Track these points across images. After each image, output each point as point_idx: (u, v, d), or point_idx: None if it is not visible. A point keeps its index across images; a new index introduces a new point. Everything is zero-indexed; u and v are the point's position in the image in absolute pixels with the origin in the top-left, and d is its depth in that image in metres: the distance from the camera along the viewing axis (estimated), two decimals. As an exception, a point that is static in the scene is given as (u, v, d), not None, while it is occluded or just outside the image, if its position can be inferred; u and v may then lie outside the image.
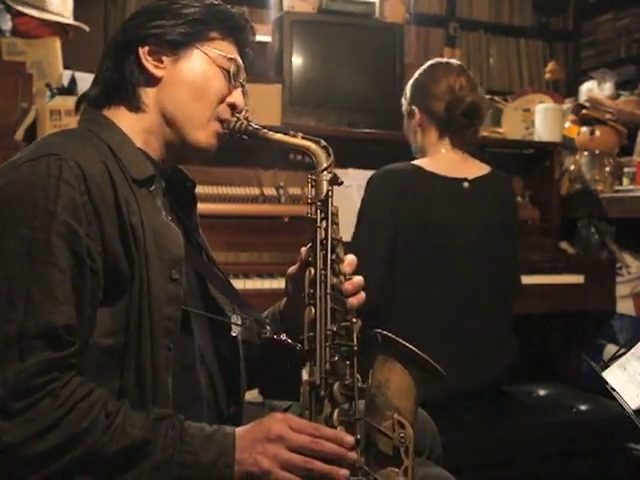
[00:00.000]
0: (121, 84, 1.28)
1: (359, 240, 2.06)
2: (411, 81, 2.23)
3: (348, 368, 1.19)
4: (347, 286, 1.25)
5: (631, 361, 1.52)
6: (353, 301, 1.27)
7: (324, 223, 1.24)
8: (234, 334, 1.35)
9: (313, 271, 1.22)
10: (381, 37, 3.14)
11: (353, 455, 1.13)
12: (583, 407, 2.22)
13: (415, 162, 2.15)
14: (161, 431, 1.09)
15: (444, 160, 2.14)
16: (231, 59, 1.32)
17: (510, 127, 3.32)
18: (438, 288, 2.07)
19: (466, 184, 2.12)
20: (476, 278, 2.09)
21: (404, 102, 2.25)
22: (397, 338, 1.16)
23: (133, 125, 1.28)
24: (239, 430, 1.13)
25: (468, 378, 2.00)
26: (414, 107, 2.18)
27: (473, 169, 2.17)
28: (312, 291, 1.21)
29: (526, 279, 2.33)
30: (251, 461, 1.10)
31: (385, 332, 1.18)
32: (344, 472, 1.11)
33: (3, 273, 1.07)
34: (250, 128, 1.32)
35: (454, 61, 2.22)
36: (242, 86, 1.34)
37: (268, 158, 2.73)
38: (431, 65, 2.20)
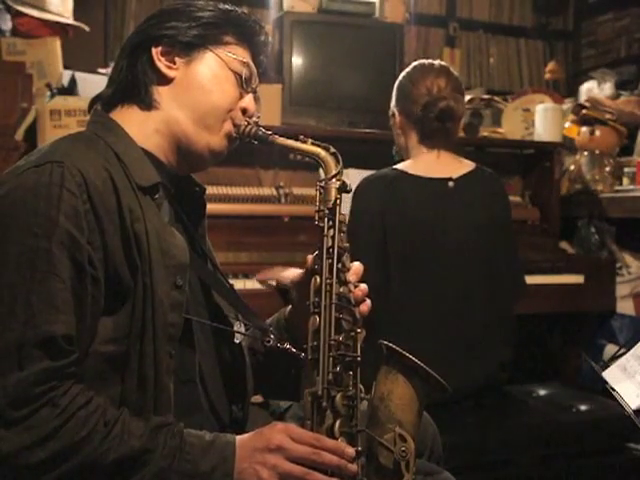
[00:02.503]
0: (134, 83, 1.28)
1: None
2: (396, 83, 2.22)
3: (351, 379, 1.18)
4: (357, 292, 1.24)
5: (631, 361, 1.52)
6: (361, 309, 1.26)
7: (331, 231, 1.24)
8: (237, 341, 1.34)
9: (319, 279, 1.22)
10: (381, 37, 3.14)
11: (353, 467, 1.12)
12: (583, 407, 2.22)
13: (397, 166, 2.14)
14: (160, 440, 1.09)
15: (426, 161, 2.14)
16: (244, 63, 1.31)
17: (510, 127, 3.32)
18: (431, 288, 2.07)
19: (451, 183, 2.11)
20: (467, 275, 2.08)
21: (391, 104, 2.25)
22: (401, 350, 1.16)
23: (144, 126, 1.27)
24: (239, 439, 1.13)
25: (464, 377, 1.99)
26: (395, 109, 2.20)
27: (457, 167, 2.15)
28: (317, 300, 1.20)
29: (526, 279, 2.32)
30: (250, 471, 1.09)
31: (389, 343, 1.17)
32: None
33: (4, 281, 1.07)
34: (260, 133, 1.31)
35: (438, 62, 2.20)
36: (254, 92, 1.34)
37: (268, 158, 2.73)
38: (413, 67, 2.20)
